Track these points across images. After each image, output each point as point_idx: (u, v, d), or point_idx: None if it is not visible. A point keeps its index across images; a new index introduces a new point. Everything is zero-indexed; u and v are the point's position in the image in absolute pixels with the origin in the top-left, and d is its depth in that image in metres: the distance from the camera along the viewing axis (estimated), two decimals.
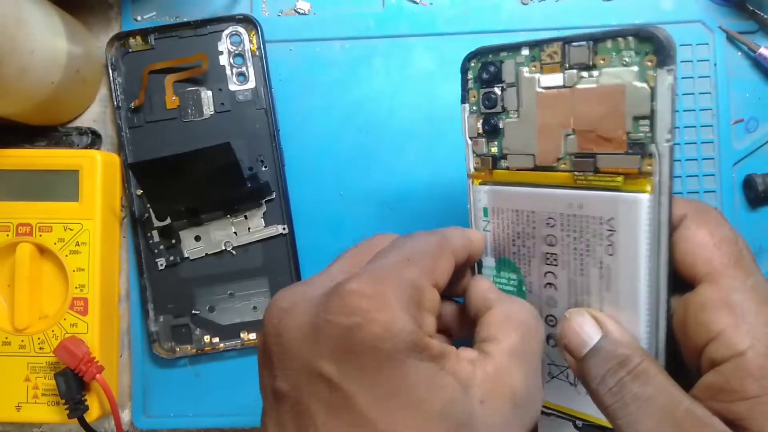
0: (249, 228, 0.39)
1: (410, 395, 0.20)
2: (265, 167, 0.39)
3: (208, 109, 0.39)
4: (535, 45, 0.24)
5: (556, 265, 0.25)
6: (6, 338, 0.38)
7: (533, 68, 0.25)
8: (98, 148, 0.40)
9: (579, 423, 0.27)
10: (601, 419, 0.25)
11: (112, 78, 0.39)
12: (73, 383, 0.36)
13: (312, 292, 0.22)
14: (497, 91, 0.26)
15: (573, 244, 0.24)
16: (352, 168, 0.40)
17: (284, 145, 0.39)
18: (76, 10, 0.40)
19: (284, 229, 0.39)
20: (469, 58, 0.27)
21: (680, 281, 0.23)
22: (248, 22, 0.39)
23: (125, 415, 0.40)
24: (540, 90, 0.24)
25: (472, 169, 0.27)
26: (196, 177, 0.37)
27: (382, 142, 0.40)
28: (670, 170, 0.22)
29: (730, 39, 0.38)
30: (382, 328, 0.20)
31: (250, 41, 0.39)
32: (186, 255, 0.39)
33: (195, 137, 0.39)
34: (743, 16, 0.38)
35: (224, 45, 0.39)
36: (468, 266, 0.27)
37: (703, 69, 0.38)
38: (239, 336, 0.39)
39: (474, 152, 0.27)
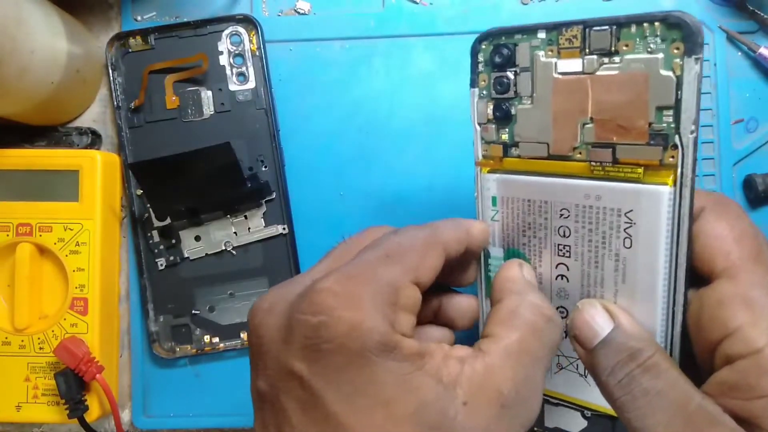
0: (249, 228, 0.39)
1: (378, 395, 0.19)
2: (265, 167, 0.39)
3: (208, 109, 0.39)
4: (553, 28, 0.23)
5: (568, 257, 0.24)
6: (6, 338, 0.38)
7: (550, 53, 0.23)
8: (98, 148, 0.40)
9: (588, 413, 0.27)
10: (611, 409, 0.25)
11: (112, 78, 0.39)
12: (73, 383, 0.36)
13: (291, 292, 0.22)
14: (510, 75, 0.25)
15: (588, 235, 0.24)
16: (352, 168, 0.40)
17: (284, 145, 0.39)
18: (76, 10, 0.39)
19: (284, 229, 0.39)
20: (480, 40, 0.25)
21: (696, 275, 0.23)
22: (248, 22, 0.39)
23: (125, 415, 0.40)
24: (557, 76, 0.23)
25: (481, 157, 0.26)
26: (196, 177, 0.37)
27: (382, 142, 0.40)
28: (693, 162, 0.21)
29: (730, 39, 0.38)
30: (348, 327, 0.20)
31: (250, 41, 0.39)
32: (186, 255, 0.39)
33: (195, 137, 0.39)
34: (743, 16, 0.38)
35: (224, 45, 0.39)
36: (472, 257, 0.27)
37: (703, 69, 0.38)
38: (239, 336, 0.39)
39: (483, 139, 0.26)
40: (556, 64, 0.23)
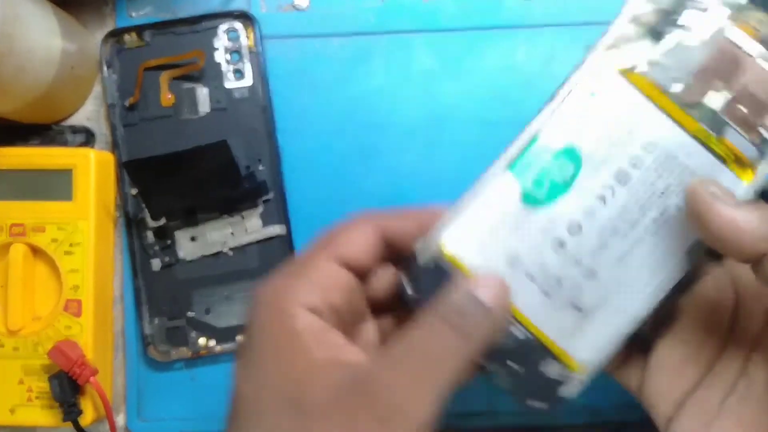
0: (246, 228, 0.39)
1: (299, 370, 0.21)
2: (263, 166, 0.39)
3: (204, 106, 0.39)
4: (761, 4, 0.24)
5: (624, 185, 0.24)
6: None
7: (732, 19, 0.24)
8: (92, 147, 0.40)
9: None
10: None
11: (106, 75, 0.39)
12: (67, 386, 0.36)
13: None
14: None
15: (653, 179, 0.24)
16: (352, 167, 0.39)
17: (282, 144, 0.39)
18: (70, 6, 0.39)
19: (282, 229, 0.38)
20: None
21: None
22: (245, 17, 0.39)
23: (120, 419, 0.40)
24: (725, 37, 0.24)
25: (610, 44, 0.25)
26: (192, 176, 0.36)
27: (381, 140, 0.39)
28: None
29: None
30: (269, 313, 0.22)
31: (247, 37, 0.39)
32: (181, 256, 0.39)
33: (191, 135, 0.38)
34: None
35: (221, 41, 0.39)
36: None
37: None
38: (235, 339, 0.39)
39: (622, 35, 0.25)
40: (732, 29, 0.24)
